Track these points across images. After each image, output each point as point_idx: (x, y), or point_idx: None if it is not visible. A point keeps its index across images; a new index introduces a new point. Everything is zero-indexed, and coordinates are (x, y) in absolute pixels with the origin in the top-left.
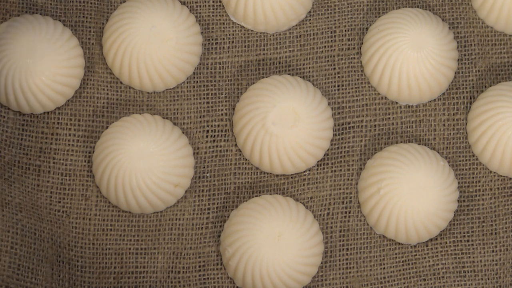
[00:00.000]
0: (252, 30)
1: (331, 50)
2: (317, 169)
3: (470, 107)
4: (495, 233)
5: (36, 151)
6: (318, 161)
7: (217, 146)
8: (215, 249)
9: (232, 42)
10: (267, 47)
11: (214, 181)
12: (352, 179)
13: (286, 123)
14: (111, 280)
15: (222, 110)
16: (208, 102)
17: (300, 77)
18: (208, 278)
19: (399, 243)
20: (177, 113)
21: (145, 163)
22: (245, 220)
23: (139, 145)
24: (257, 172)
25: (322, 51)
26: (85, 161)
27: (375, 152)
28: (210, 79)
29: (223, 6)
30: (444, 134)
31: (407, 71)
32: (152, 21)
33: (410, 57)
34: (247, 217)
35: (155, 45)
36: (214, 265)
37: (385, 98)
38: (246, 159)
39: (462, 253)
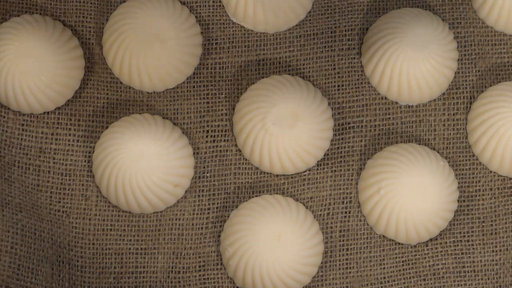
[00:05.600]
0: (252, 30)
1: (331, 50)
2: (317, 169)
3: (470, 107)
4: (495, 233)
5: (36, 151)
6: (318, 161)
7: (217, 146)
8: (215, 249)
9: (232, 42)
10: (267, 47)
11: (214, 181)
12: (352, 179)
13: (286, 123)
14: (111, 280)
15: (222, 110)
16: (208, 102)
17: (300, 77)
18: (208, 278)
19: (399, 243)
20: (177, 113)
21: (145, 163)
22: (245, 220)
23: (139, 145)
24: (257, 172)
25: (322, 51)
26: (85, 161)
27: (375, 152)
28: (210, 79)
29: (223, 6)
30: (444, 134)
31: (407, 71)
32: (152, 21)
33: (410, 57)
34: (247, 217)
35: (155, 45)
36: (214, 265)
37: (385, 98)
38: (246, 159)
39: (462, 253)
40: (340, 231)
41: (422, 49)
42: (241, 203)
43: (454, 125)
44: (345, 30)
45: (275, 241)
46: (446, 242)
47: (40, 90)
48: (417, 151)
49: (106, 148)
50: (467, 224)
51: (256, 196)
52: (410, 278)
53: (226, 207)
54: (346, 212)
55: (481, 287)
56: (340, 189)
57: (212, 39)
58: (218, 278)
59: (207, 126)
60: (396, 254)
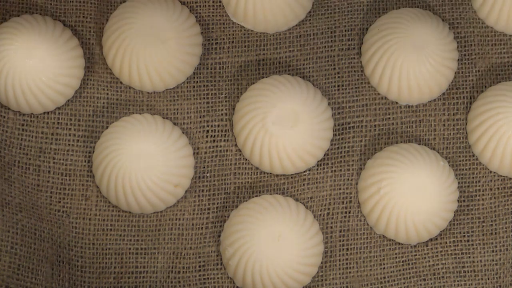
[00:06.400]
0: (252, 30)
1: (331, 50)
2: (317, 169)
3: (470, 107)
4: (495, 233)
5: (36, 151)
6: (318, 161)
7: (217, 146)
8: (215, 249)
9: (232, 42)
10: (267, 47)
11: (214, 181)
12: (352, 179)
13: (286, 123)
14: (111, 280)
15: (222, 110)
16: (208, 102)
17: (300, 77)
18: (208, 278)
19: (399, 243)
20: (177, 113)
21: (145, 163)
22: (245, 220)
23: (139, 145)
24: (257, 172)
25: (322, 51)
26: (85, 161)
27: (375, 152)
28: (210, 79)
29: (223, 6)
30: (444, 134)
31: (407, 71)
32: (152, 21)
33: (410, 57)
34: (247, 217)
35: (155, 45)
36: (214, 265)
37: (385, 98)
38: (246, 159)
39: (462, 253)
40: (340, 231)
41: (422, 49)
42: (241, 203)
43: (454, 125)
44: (345, 30)
45: (275, 241)
46: (446, 242)
47: (40, 90)
48: (417, 151)
49: (106, 148)
50: (467, 224)
51: (256, 196)
52: (410, 278)
53: (226, 207)
54: (346, 212)
55: (481, 287)
56: (340, 189)
57: (212, 39)
58: (218, 278)
59: (207, 126)
60: (396, 254)
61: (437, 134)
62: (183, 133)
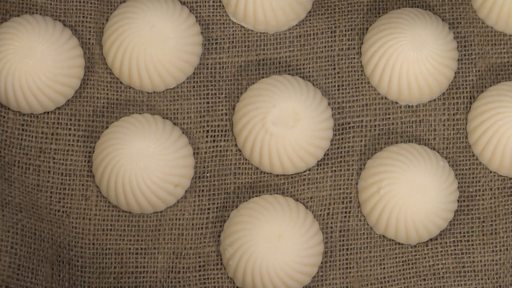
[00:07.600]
0: (252, 30)
1: (331, 50)
2: (317, 169)
3: (470, 107)
4: (495, 233)
5: (36, 151)
6: (318, 161)
7: (217, 146)
8: (215, 249)
9: (232, 42)
10: (267, 47)
11: (214, 181)
12: (352, 179)
13: (286, 123)
14: (111, 280)
15: (222, 110)
16: (208, 102)
17: (300, 77)
18: (208, 278)
19: (399, 243)
20: (177, 113)
21: (145, 163)
22: (245, 220)
23: (139, 145)
24: (257, 172)
25: (322, 51)
26: (85, 161)
27: (375, 152)
28: (210, 79)
29: (223, 6)
30: (444, 134)
31: (407, 71)
32: (152, 21)
33: (410, 57)
34: (247, 217)
35: (155, 45)
36: (214, 265)
37: (385, 98)
38: (246, 159)
39: (462, 253)
40: (340, 231)
41: (422, 49)
42: (241, 203)
43: (454, 125)
44: (345, 30)
45: (275, 241)
46: (446, 242)
47: (40, 90)
48: (417, 151)
49: (106, 148)
50: (467, 224)
51: (256, 196)
52: (410, 278)
53: (226, 207)
54: (346, 212)
55: (481, 287)
56: (340, 189)
57: (212, 39)
58: (218, 278)
59: (207, 126)
60: (396, 254)
61: (437, 134)
62: (183, 133)
